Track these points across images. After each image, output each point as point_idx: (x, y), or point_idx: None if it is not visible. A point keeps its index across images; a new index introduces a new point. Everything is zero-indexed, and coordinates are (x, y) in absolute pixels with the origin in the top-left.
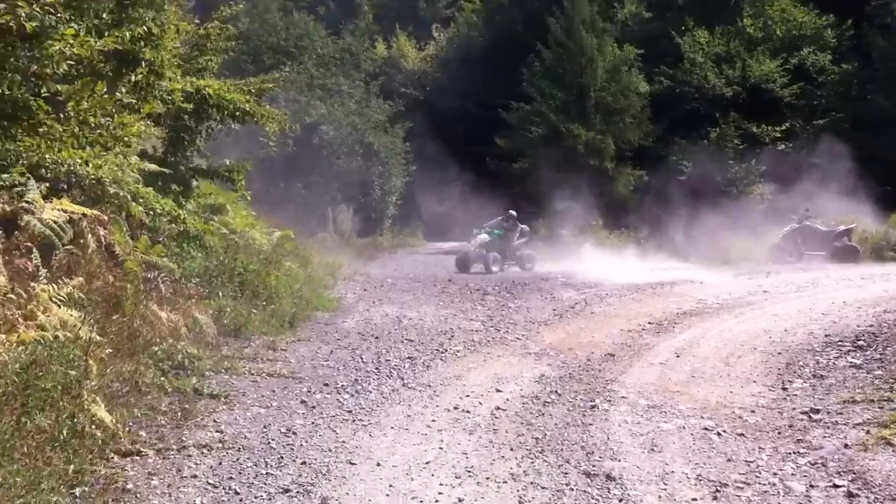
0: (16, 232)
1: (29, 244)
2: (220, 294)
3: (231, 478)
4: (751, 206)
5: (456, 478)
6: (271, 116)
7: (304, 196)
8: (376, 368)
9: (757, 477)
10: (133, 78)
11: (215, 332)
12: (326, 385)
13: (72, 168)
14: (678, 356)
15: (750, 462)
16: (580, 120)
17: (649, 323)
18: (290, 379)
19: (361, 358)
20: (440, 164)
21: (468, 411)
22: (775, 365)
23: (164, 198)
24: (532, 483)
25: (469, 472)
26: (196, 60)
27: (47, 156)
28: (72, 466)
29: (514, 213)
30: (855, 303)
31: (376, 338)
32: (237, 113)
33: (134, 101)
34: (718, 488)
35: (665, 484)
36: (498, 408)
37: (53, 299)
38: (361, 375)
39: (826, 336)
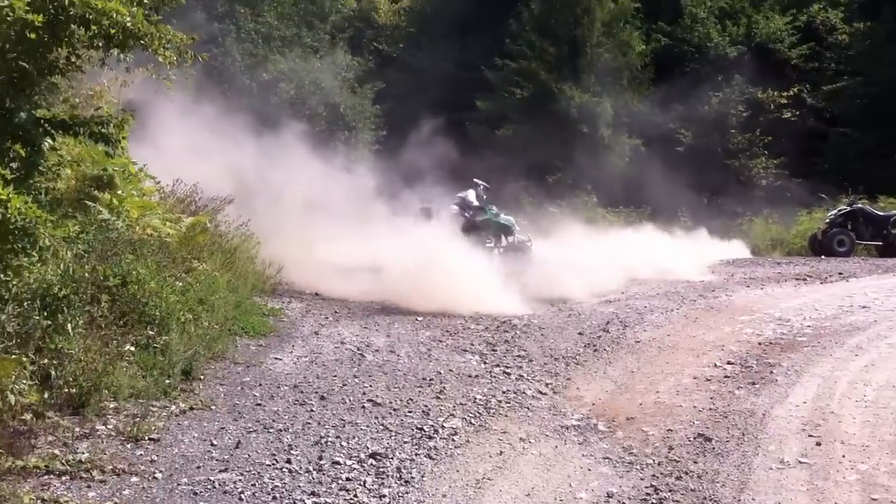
0: None
1: None
2: (69, 328)
3: None
4: (755, 181)
5: None
6: (167, 40)
7: None
8: (313, 490)
9: None
10: None
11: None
12: None
13: None
14: (818, 444)
15: None
16: (573, 79)
17: (729, 363)
18: None
19: (290, 456)
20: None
21: None
22: None
23: None
24: None
25: None
26: None
27: None
28: None
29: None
30: None
31: (322, 398)
32: (115, 32)
33: None
34: None
35: None
36: None
37: None
38: None
39: None
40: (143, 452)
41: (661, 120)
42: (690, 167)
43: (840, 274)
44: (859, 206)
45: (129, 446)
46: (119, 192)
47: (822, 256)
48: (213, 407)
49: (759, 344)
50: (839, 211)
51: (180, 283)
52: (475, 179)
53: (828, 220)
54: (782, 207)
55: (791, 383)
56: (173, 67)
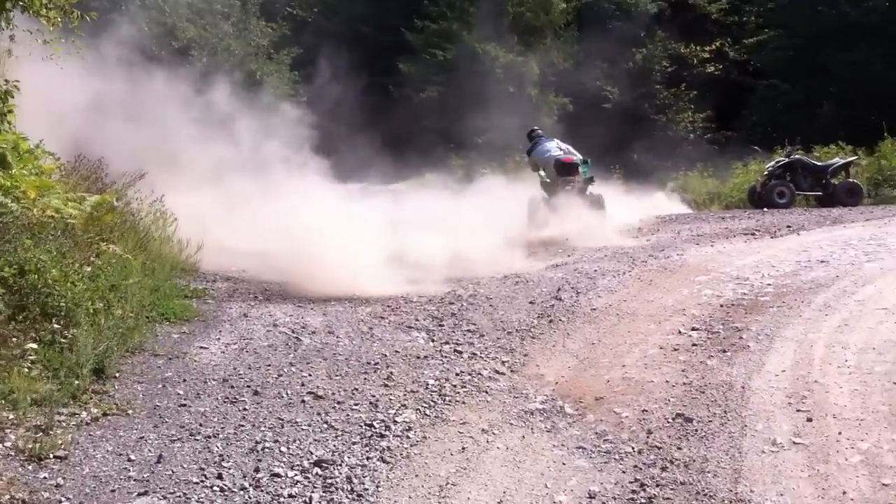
0: None
1: None
2: None
3: None
4: (683, 136)
5: None
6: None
7: None
8: None
9: None
10: None
11: None
12: None
13: None
14: (809, 419)
15: None
16: (497, 39)
17: (694, 329)
18: None
19: (221, 469)
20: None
21: None
22: None
23: None
24: None
25: None
26: None
27: None
28: None
29: (534, 128)
30: None
31: (256, 393)
32: None
33: None
34: None
35: None
36: None
37: None
38: None
39: None
40: (47, 475)
41: (587, 78)
42: (619, 124)
43: (788, 227)
44: (797, 157)
45: (30, 468)
46: (12, 171)
47: (764, 209)
48: (129, 412)
49: (721, 306)
50: (777, 163)
51: (89, 268)
52: (535, 128)
53: (766, 172)
54: (714, 161)
55: (764, 349)
56: (59, 30)
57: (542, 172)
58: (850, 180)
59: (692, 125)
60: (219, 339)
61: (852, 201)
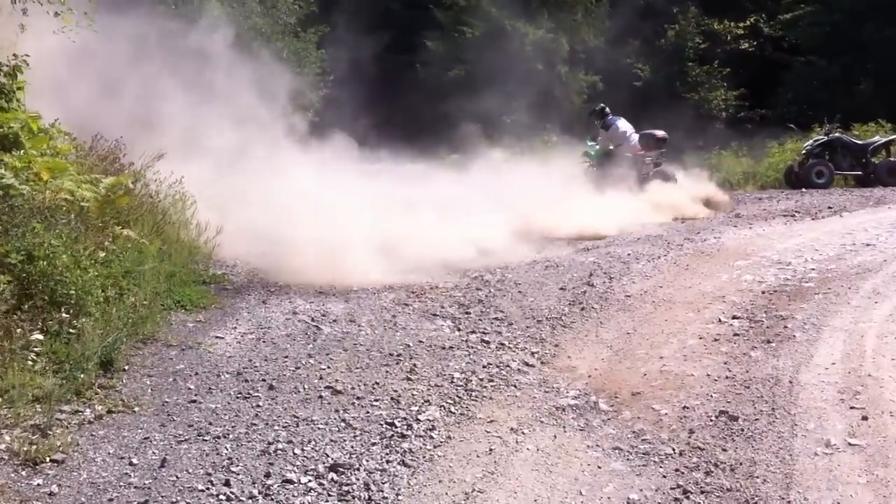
0: None
1: None
2: None
3: None
4: (716, 114)
5: None
6: None
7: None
8: None
9: None
10: None
11: None
12: None
13: None
14: (864, 418)
15: None
16: (526, 16)
17: (735, 318)
18: None
19: (229, 475)
20: (363, 73)
21: None
22: None
23: None
24: None
25: None
26: None
27: None
28: None
29: (603, 106)
30: None
31: (271, 388)
32: None
33: None
34: None
35: None
36: None
37: None
38: None
39: None
40: (41, 481)
41: (617, 55)
42: (649, 102)
43: (830, 208)
44: (836, 135)
45: (24, 473)
46: (22, 152)
47: (802, 189)
48: (136, 409)
49: (763, 293)
50: (816, 141)
51: (103, 254)
52: (603, 105)
53: (804, 151)
54: (749, 140)
55: (812, 340)
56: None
57: (612, 147)
58: (892, 159)
59: (725, 103)
60: (235, 328)
61: (893, 181)
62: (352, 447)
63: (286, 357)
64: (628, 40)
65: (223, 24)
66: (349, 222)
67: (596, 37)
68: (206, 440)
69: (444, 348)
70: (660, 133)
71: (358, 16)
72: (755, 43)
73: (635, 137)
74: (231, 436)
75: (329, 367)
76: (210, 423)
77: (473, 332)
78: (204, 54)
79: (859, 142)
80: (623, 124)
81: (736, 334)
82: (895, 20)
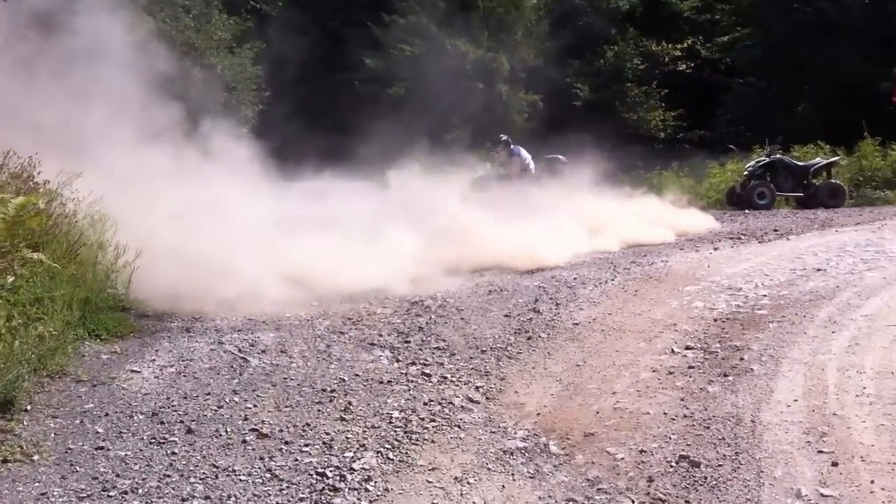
0: None
1: None
2: None
3: None
4: (654, 134)
5: None
6: None
7: None
8: None
9: None
10: None
11: None
12: None
13: None
14: (834, 464)
15: None
16: (466, 35)
17: (688, 348)
18: None
19: None
20: (301, 90)
21: None
22: None
23: None
24: None
25: None
26: None
27: None
28: None
29: (507, 138)
30: None
31: (189, 431)
32: None
33: None
34: None
35: None
36: None
37: None
38: None
39: None
40: None
41: (557, 75)
42: (589, 122)
43: (776, 230)
44: (778, 156)
45: None
46: None
47: (745, 210)
48: (35, 457)
49: (716, 321)
50: (757, 162)
51: (11, 279)
52: (507, 137)
53: (746, 173)
54: (688, 160)
55: (770, 374)
56: None
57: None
58: (833, 181)
59: (663, 124)
60: (154, 360)
61: (834, 203)
62: (277, 503)
63: (208, 394)
64: (568, 60)
65: (155, 40)
66: (264, 247)
67: (536, 56)
68: (111, 496)
69: (381, 382)
70: (561, 157)
71: (295, 32)
72: (693, 65)
73: (532, 164)
74: (140, 490)
75: (255, 406)
76: (117, 476)
77: (413, 363)
78: (133, 68)
79: (801, 163)
80: (524, 153)
81: (690, 367)
82: (832, 42)
